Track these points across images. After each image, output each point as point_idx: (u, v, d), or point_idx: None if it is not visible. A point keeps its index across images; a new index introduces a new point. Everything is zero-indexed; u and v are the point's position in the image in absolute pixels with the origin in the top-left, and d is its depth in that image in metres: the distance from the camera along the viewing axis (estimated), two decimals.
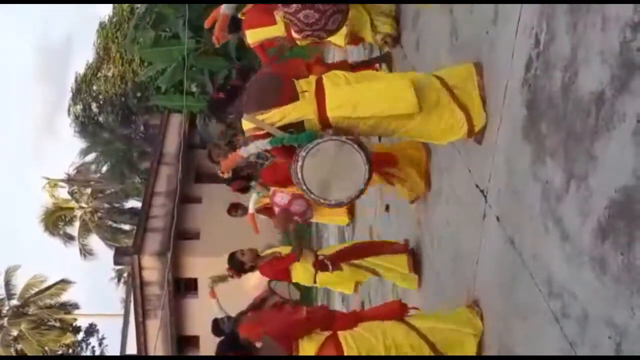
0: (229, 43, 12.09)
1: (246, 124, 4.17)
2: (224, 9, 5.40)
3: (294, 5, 3.83)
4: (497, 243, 3.80)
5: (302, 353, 3.93)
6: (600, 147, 2.53)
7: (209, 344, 17.87)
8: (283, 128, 4.04)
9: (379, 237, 7.92)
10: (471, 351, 4.01)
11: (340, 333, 4.00)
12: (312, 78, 4.14)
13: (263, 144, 4.12)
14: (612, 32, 2.43)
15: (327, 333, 4.03)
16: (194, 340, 18.76)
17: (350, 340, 3.93)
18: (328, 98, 3.96)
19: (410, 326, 4.03)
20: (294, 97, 4.02)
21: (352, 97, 3.97)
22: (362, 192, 3.99)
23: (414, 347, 3.92)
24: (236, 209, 8.78)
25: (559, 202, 2.91)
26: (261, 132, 4.11)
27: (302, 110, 3.99)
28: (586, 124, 2.63)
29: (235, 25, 6.30)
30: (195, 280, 18.09)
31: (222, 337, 4.32)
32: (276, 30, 6.07)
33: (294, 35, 4.97)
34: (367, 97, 3.96)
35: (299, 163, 3.81)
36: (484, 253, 4.09)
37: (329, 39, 4.90)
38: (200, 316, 16.93)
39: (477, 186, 4.13)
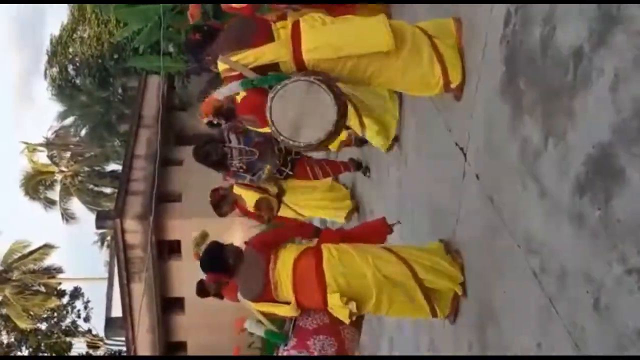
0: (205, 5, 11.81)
1: (221, 65, 4.14)
2: (218, 93, 4.60)
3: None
4: (476, 201, 3.80)
5: (280, 261, 3.96)
6: (578, 103, 2.51)
7: (194, 306, 18.00)
8: (262, 70, 4.00)
9: (360, 198, 7.93)
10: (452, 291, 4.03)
11: (324, 245, 4.03)
12: (289, 20, 4.09)
13: (235, 86, 4.09)
14: None
15: (310, 244, 4.06)
16: (179, 302, 18.82)
17: (333, 251, 3.96)
18: (304, 40, 3.92)
19: (398, 256, 4.03)
20: (269, 37, 4.00)
21: (328, 37, 3.94)
22: (332, 134, 3.92)
23: (400, 278, 3.94)
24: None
25: (537, 159, 2.90)
26: (236, 74, 4.07)
27: (276, 51, 3.96)
28: (564, 80, 2.61)
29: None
30: (178, 242, 18.06)
31: (208, 251, 4.26)
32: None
33: None
34: (343, 36, 3.93)
35: (268, 104, 3.78)
36: (463, 211, 4.09)
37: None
38: (185, 278, 16.94)
39: (456, 144, 4.11)
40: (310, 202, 7.95)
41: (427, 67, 3.93)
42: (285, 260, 3.97)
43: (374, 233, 4.27)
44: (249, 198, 7.53)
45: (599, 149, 2.35)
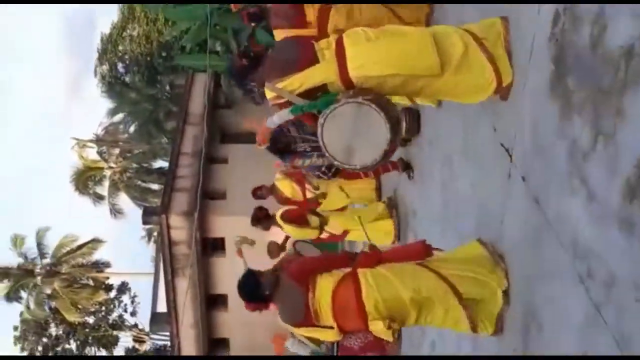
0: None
1: (269, 93, 4.13)
2: (269, 122, 4.52)
3: None
4: (522, 203, 3.72)
5: (318, 290, 3.95)
6: (628, 103, 2.44)
7: (236, 303, 18.07)
8: (310, 94, 3.96)
9: (402, 199, 7.86)
10: (497, 305, 3.95)
11: (360, 271, 3.99)
12: (332, 37, 4.04)
13: (285, 114, 4.07)
14: None
15: (346, 270, 4.03)
16: (222, 299, 18.95)
17: (370, 278, 3.93)
18: (349, 57, 3.83)
19: (436, 272, 3.99)
20: (313, 60, 3.94)
21: (373, 55, 3.84)
22: (387, 153, 3.83)
23: (439, 295, 3.90)
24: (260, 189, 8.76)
25: (586, 161, 2.82)
26: (283, 100, 4.06)
27: (322, 72, 3.90)
28: (615, 79, 2.53)
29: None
30: (222, 240, 18.14)
31: (244, 283, 4.31)
32: None
33: None
34: (389, 55, 3.83)
35: (319, 130, 3.75)
36: (509, 213, 4.01)
37: None
38: (228, 275, 17.06)
39: (502, 145, 4.03)
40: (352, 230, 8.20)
41: (478, 72, 3.83)
42: (323, 290, 3.95)
43: (413, 255, 4.22)
44: (286, 189, 8.11)
45: None
